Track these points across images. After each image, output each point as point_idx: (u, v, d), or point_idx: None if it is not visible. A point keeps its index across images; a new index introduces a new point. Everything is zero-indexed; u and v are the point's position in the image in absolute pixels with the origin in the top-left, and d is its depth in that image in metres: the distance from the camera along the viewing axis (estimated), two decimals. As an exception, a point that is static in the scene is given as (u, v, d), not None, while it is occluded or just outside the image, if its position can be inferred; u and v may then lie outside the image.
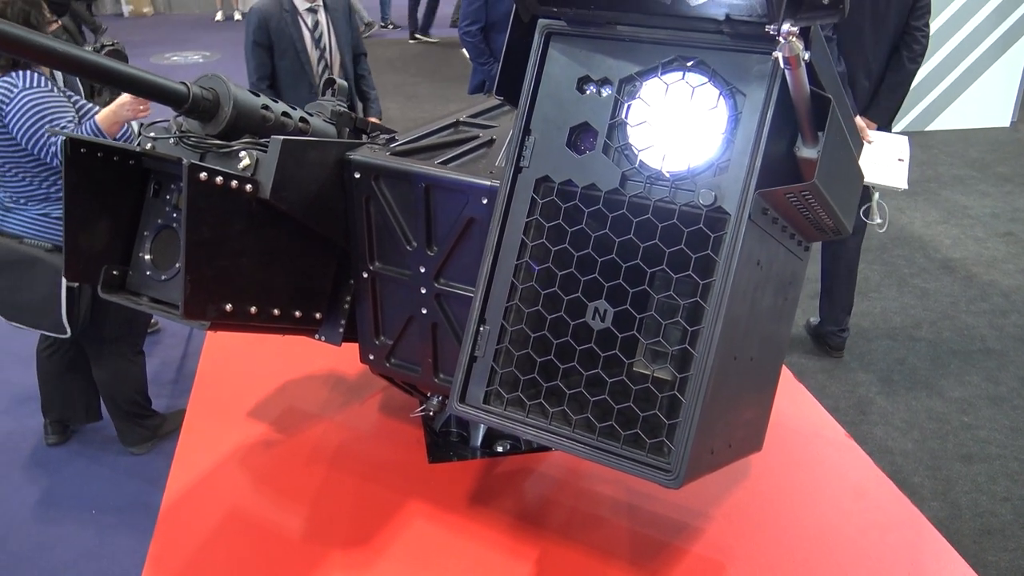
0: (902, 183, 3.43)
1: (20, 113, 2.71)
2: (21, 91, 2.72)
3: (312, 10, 3.92)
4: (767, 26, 0.88)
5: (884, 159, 3.44)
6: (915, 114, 7.29)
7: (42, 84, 2.76)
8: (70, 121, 2.79)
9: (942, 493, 3.10)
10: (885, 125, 3.70)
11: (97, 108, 2.85)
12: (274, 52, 3.91)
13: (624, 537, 1.47)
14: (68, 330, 2.87)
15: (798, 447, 1.72)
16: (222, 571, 1.40)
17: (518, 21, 1.18)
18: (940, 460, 3.29)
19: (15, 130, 2.70)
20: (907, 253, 5.09)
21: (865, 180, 3.44)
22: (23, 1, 2.75)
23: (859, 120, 3.55)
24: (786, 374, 1.87)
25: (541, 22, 1.15)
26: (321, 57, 3.97)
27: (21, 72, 2.74)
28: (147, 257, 1.35)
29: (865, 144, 3.45)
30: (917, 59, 3.61)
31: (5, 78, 2.72)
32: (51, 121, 2.75)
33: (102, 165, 1.30)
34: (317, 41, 3.95)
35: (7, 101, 2.71)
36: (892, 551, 1.46)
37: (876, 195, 3.55)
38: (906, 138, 3.55)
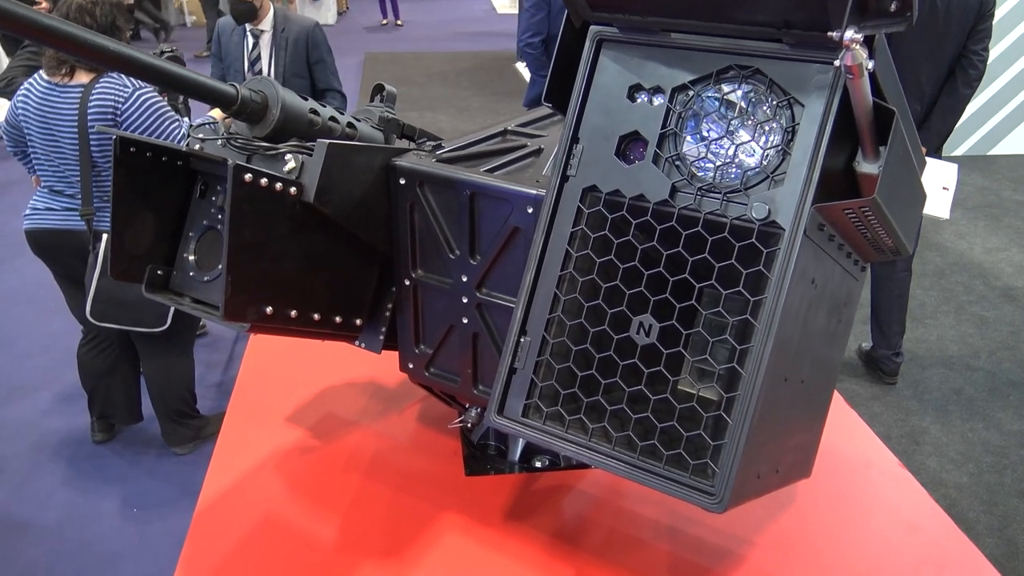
0: (944, 212, 3.35)
1: (141, 112, 2.77)
2: (136, 90, 2.78)
3: (254, 34, 4.01)
4: (830, 32, 0.84)
5: (929, 186, 3.38)
6: (977, 138, 7.10)
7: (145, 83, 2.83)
8: (179, 118, 2.88)
9: (998, 530, 2.97)
10: (934, 150, 3.60)
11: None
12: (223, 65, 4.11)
13: (664, 561, 1.42)
14: (168, 322, 2.94)
15: (848, 475, 1.65)
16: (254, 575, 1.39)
17: (569, 27, 1.16)
18: (997, 495, 3.16)
19: (135, 129, 2.76)
20: (966, 280, 4.94)
21: None
22: (110, 6, 2.82)
23: None
24: (837, 399, 1.81)
25: (592, 29, 1.13)
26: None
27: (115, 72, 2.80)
28: (191, 258, 1.35)
29: None
30: (973, 84, 3.50)
31: (107, 79, 2.77)
32: (170, 119, 2.83)
33: (150, 165, 1.31)
34: (252, 64, 4.04)
35: (123, 100, 2.76)
36: (946, 589, 1.39)
37: None
38: (955, 166, 3.47)
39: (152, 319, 2.93)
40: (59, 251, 2.98)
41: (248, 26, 4.02)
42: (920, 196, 1.28)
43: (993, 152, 7.18)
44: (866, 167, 1.04)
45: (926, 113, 3.55)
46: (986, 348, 4.21)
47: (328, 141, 1.24)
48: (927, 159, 3.45)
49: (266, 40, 4.03)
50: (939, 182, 3.41)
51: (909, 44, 3.38)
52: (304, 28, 4.02)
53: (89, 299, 2.87)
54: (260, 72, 4.04)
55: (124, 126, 2.75)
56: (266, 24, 4.00)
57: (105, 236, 2.84)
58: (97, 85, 2.75)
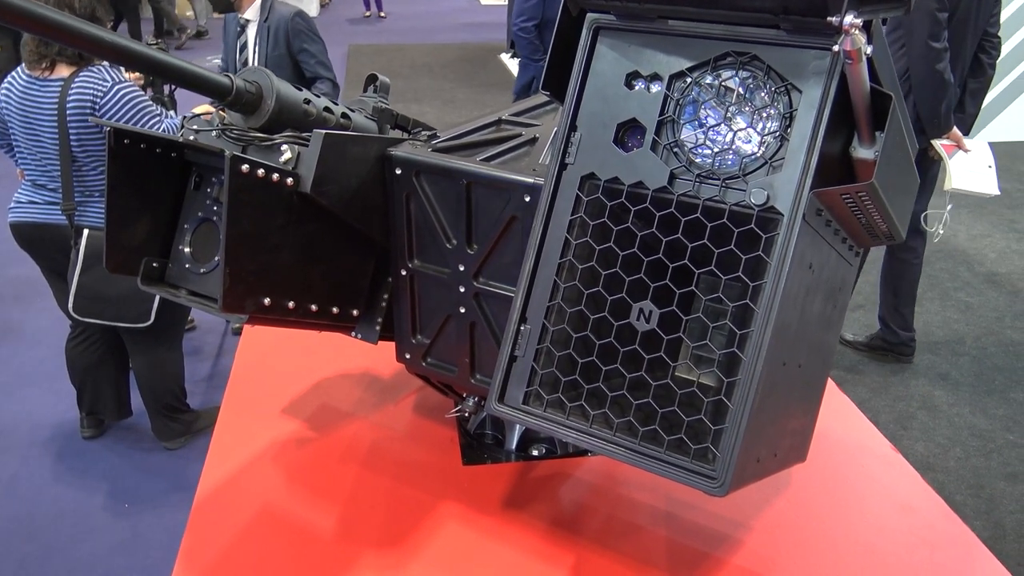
0: (994, 188, 3.47)
1: (120, 106, 2.74)
2: (115, 84, 2.75)
3: (240, 23, 4.03)
4: (829, 17, 0.85)
5: (977, 166, 3.47)
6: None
7: (125, 77, 2.80)
8: (159, 113, 2.85)
9: (985, 513, 3.02)
10: (966, 132, 3.69)
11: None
12: None
13: (662, 546, 1.43)
14: (152, 318, 2.92)
15: (842, 459, 1.67)
16: (253, 567, 1.39)
17: (566, 15, 1.16)
18: (984, 479, 3.20)
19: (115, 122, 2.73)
20: (950, 266, 4.99)
21: (962, 188, 3.43)
22: None
23: (955, 131, 3.57)
24: (828, 384, 1.82)
25: (589, 16, 1.13)
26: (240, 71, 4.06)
27: (99, 66, 2.76)
28: (187, 250, 1.34)
29: (960, 152, 3.45)
30: (995, 65, 3.66)
31: (86, 73, 2.74)
32: (150, 114, 2.80)
33: (145, 157, 1.30)
34: (240, 53, 4.05)
35: (102, 95, 2.73)
36: (941, 570, 1.41)
37: (949, 207, 3.61)
38: (986, 142, 3.58)
39: (135, 314, 2.91)
40: (42, 244, 2.96)
41: (238, 15, 4.01)
42: (914, 181, 1.29)
43: (976, 139, 7.23)
44: (862, 152, 1.05)
45: (960, 97, 3.66)
46: (971, 334, 4.26)
47: (324, 131, 1.23)
48: (970, 140, 3.54)
49: (252, 30, 4.01)
50: (984, 161, 3.50)
51: (961, 29, 3.44)
52: (284, 18, 3.98)
53: (71, 294, 2.86)
54: (247, 61, 4.02)
55: (105, 119, 2.73)
56: (251, 13, 3.98)
57: (87, 231, 2.82)
58: (76, 79, 2.72)
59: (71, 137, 2.74)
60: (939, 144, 3.55)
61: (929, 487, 1.61)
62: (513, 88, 4.99)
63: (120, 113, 2.75)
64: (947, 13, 3.32)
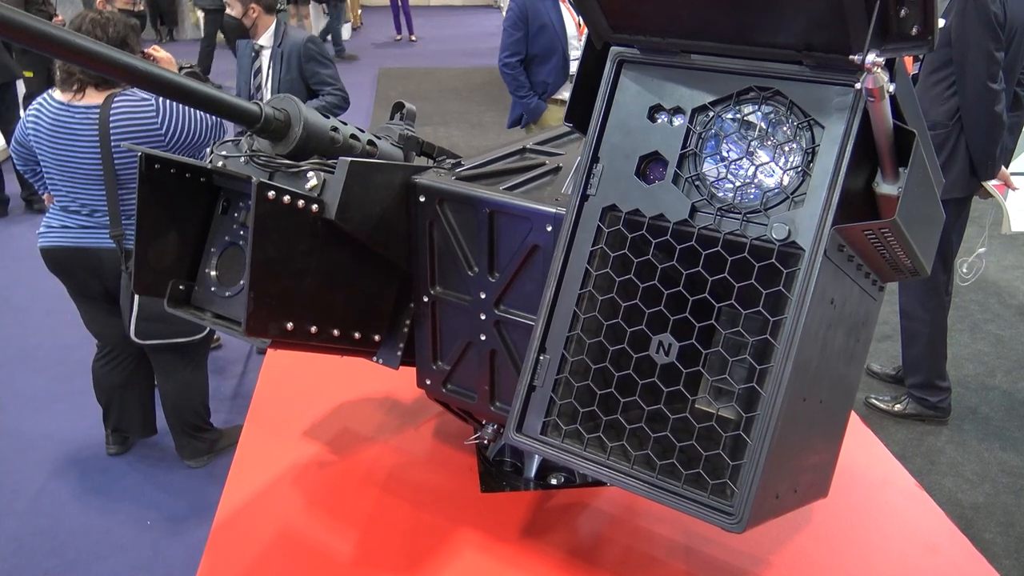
0: None
1: (184, 122, 2.81)
2: (160, 102, 2.78)
3: (254, 48, 4.11)
4: (851, 56, 0.85)
5: (1018, 204, 3.43)
6: (991, 155, 7.06)
7: None
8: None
9: (1015, 552, 2.95)
10: (1006, 167, 3.63)
11: None
12: None
13: (680, 580, 1.42)
14: (208, 328, 2.96)
15: (865, 495, 1.65)
16: (271, 591, 1.39)
17: (590, 48, 1.17)
18: (1014, 516, 3.13)
19: (183, 139, 2.80)
20: (981, 298, 4.91)
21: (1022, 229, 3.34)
22: (123, 24, 2.84)
23: (1002, 169, 3.50)
24: (853, 418, 1.80)
25: (613, 50, 1.14)
26: (253, 95, 4.12)
27: (130, 89, 2.79)
28: (213, 273, 1.36)
29: (1011, 192, 3.40)
30: None
31: (120, 99, 2.76)
32: (209, 128, 2.86)
33: (174, 181, 1.33)
34: (254, 77, 4.13)
35: (159, 122, 2.78)
36: (965, 611, 1.38)
37: (982, 248, 3.55)
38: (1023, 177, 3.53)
39: (188, 330, 2.95)
40: (74, 268, 2.97)
41: (252, 41, 4.11)
42: (939, 217, 1.28)
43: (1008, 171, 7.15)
44: (886, 188, 1.05)
45: None
46: (1002, 367, 4.19)
47: (350, 159, 1.25)
48: (1014, 177, 3.48)
49: (266, 55, 4.10)
50: None
51: (1011, 66, 3.35)
52: (297, 43, 4.05)
53: (133, 320, 2.86)
54: (260, 86, 4.11)
55: (170, 136, 2.78)
56: (265, 39, 4.07)
57: None
58: (114, 105, 2.74)
59: (116, 163, 2.76)
60: (991, 186, 3.48)
61: (955, 526, 1.58)
62: (506, 123, 4.95)
63: (188, 128, 2.81)
64: (1003, 52, 3.21)
